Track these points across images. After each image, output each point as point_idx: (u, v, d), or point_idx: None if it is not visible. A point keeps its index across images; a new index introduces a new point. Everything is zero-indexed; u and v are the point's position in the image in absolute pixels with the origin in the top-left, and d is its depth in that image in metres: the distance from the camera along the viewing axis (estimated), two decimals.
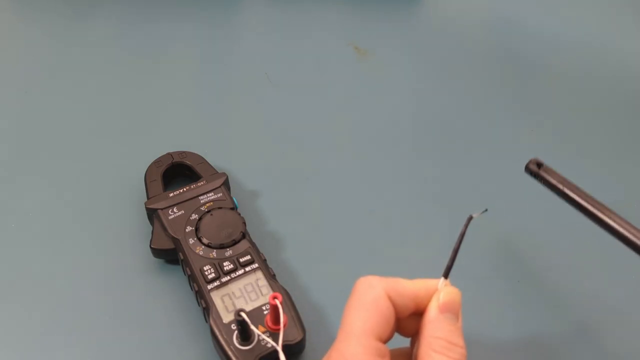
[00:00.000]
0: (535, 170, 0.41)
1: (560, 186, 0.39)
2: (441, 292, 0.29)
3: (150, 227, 0.43)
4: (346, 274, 0.42)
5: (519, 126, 0.55)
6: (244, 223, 0.41)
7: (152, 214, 0.42)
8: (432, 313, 0.29)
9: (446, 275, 0.30)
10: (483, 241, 0.45)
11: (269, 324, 0.35)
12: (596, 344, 0.40)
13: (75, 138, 0.51)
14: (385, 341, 0.29)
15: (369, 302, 0.29)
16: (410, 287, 0.30)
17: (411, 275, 0.42)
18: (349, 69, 0.61)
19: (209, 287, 0.37)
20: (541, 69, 0.62)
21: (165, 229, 0.41)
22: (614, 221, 0.37)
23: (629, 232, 0.36)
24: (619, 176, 0.51)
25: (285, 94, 0.57)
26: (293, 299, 0.38)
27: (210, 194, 0.43)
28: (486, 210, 0.29)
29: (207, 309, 0.37)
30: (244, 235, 0.41)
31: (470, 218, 0.28)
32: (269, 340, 0.34)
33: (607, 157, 0.53)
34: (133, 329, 0.39)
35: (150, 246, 0.41)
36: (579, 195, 0.38)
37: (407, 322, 0.30)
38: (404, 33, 0.67)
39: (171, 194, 0.43)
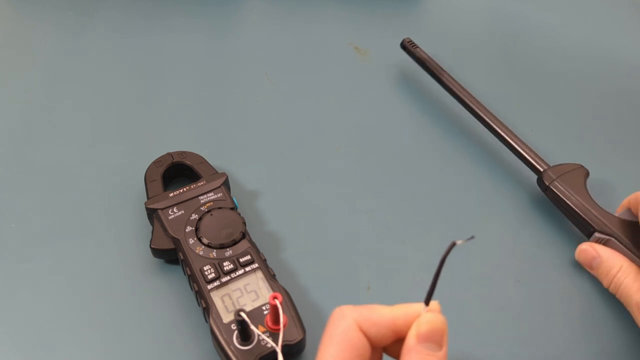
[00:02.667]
0: (408, 47, 0.59)
1: (424, 61, 0.57)
2: (421, 321, 0.27)
3: (150, 227, 0.43)
4: (346, 274, 0.42)
5: (519, 126, 0.55)
6: (244, 223, 0.41)
7: (152, 214, 0.42)
8: (410, 342, 0.27)
9: (427, 301, 0.28)
10: (482, 241, 0.45)
11: (269, 324, 0.35)
12: (597, 344, 0.40)
13: (75, 138, 0.51)
14: None
15: (338, 335, 0.28)
16: (386, 316, 0.28)
17: (410, 275, 0.43)
18: (349, 69, 0.61)
19: (209, 287, 0.37)
20: (541, 68, 0.62)
21: (165, 229, 0.41)
22: (451, 83, 0.54)
23: (462, 93, 0.53)
24: (621, 176, 0.51)
25: (285, 93, 0.57)
26: (293, 299, 0.38)
27: (210, 194, 0.43)
28: (472, 237, 0.27)
29: (207, 309, 0.37)
30: (244, 235, 0.41)
31: (453, 244, 0.26)
32: (269, 340, 0.34)
33: (609, 157, 0.53)
34: (133, 329, 0.39)
35: (150, 246, 0.41)
36: (437, 71, 0.56)
37: (394, 347, 0.29)
38: (404, 33, 0.66)
39: (171, 194, 0.43)
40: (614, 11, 0.72)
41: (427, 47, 0.64)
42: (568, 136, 0.55)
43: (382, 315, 0.28)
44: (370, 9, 0.69)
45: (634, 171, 0.51)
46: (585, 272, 0.43)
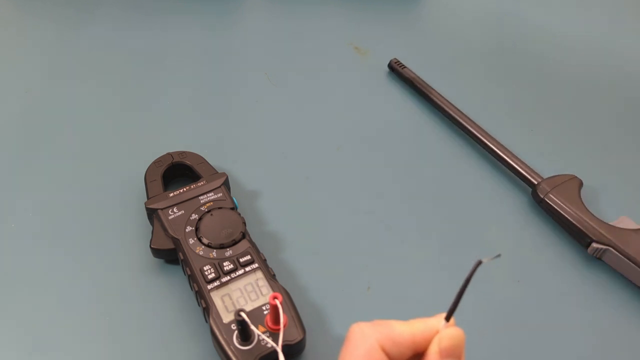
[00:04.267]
0: (395, 67, 0.59)
1: (412, 81, 0.57)
2: (443, 336, 0.27)
3: (150, 227, 0.43)
4: (346, 274, 0.42)
5: (519, 126, 0.55)
6: (244, 223, 0.41)
7: (152, 214, 0.42)
8: (432, 358, 0.27)
9: (448, 318, 0.28)
10: (483, 241, 0.45)
11: (269, 324, 0.35)
12: (597, 343, 0.40)
13: (75, 138, 0.51)
14: None
15: (362, 356, 0.27)
16: (406, 334, 0.28)
17: (410, 275, 0.43)
18: (349, 69, 0.61)
19: (209, 287, 0.37)
20: (541, 68, 0.63)
21: (165, 229, 0.41)
22: (440, 101, 0.54)
23: (447, 106, 0.54)
24: (622, 175, 0.51)
25: (285, 94, 0.57)
26: (293, 299, 0.38)
27: (210, 194, 0.43)
28: (499, 255, 0.26)
29: (207, 309, 0.37)
30: (244, 235, 0.41)
31: (479, 263, 0.26)
32: (269, 340, 0.34)
33: (609, 156, 0.53)
34: (133, 329, 0.39)
35: (150, 246, 0.41)
36: (424, 88, 0.56)
37: None
38: (404, 33, 0.67)
39: (171, 194, 0.43)
40: (615, 13, 0.72)
41: (426, 46, 0.65)
42: (569, 136, 0.55)
43: (402, 334, 0.28)
44: (370, 9, 0.69)
45: (629, 177, 0.51)
46: (586, 272, 0.43)
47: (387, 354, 0.28)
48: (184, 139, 0.51)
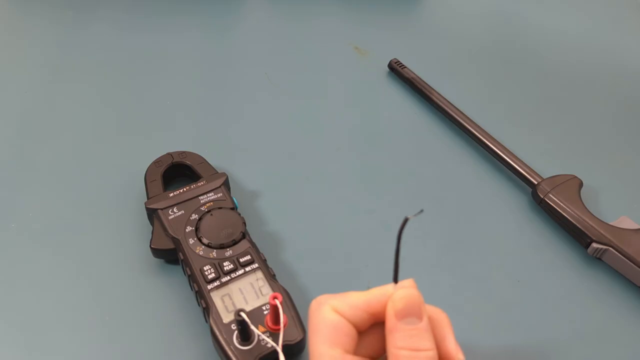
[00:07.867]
0: (395, 67, 0.59)
1: (412, 81, 0.57)
2: (395, 298, 0.28)
3: (150, 227, 0.43)
4: (346, 274, 0.42)
5: (519, 126, 0.55)
6: (244, 223, 0.41)
7: (152, 214, 0.42)
8: (390, 322, 0.28)
9: (395, 280, 0.29)
10: (483, 241, 0.45)
11: (269, 324, 0.35)
12: (598, 343, 0.40)
13: (75, 138, 0.51)
14: (362, 355, 0.28)
15: (320, 322, 0.28)
16: (361, 298, 0.29)
17: (410, 275, 0.43)
18: (349, 69, 0.61)
19: (209, 287, 0.37)
20: (541, 68, 0.63)
21: (165, 229, 0.41)
22: (440, 101, 0.55)
23: (448, 107, 0.54)
24: (622, 175, 0.51)
25: (285, 94, 0.57)
26: (293, 299, 0.38)
27: (210, 194, 0.43)
28: (421, 211, 0.29)
29: (207, 309, 0.37)
30: (244, 235, 0.41)
31: (406, 220, 0.27)
32: (269, 340, 0.34)
33: (609, 156, 0.53)
34: (133, 329, 0.39)
35: (150, 246, 0.41)
36: (424, 88, 0.56)
37: (373, 338, 0.29)
38: (404, 33, 0.67)
39: (171, 194, 0.43)
40: (616, 15, 0.72)
41: (426, 46, 0.65)
42: (569, 136, 0.55)
43: (358, 298, 0.29)
44: (370, 9, 0.69)
45: (629, 177, 0.51)
46: (586, 272, 0.43)
47: (346, 318, 0.28)
48: (184, 139, 0.51)
